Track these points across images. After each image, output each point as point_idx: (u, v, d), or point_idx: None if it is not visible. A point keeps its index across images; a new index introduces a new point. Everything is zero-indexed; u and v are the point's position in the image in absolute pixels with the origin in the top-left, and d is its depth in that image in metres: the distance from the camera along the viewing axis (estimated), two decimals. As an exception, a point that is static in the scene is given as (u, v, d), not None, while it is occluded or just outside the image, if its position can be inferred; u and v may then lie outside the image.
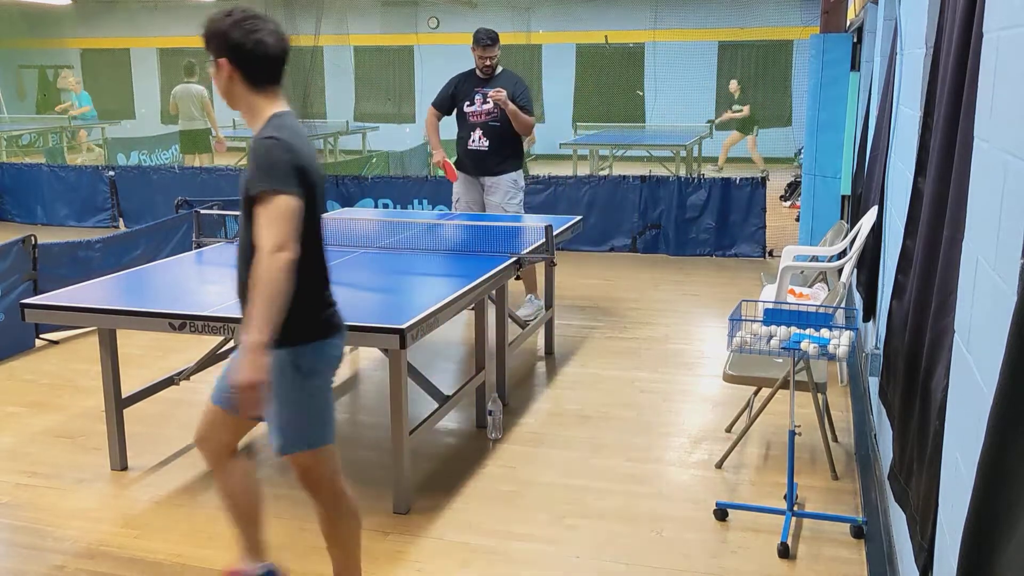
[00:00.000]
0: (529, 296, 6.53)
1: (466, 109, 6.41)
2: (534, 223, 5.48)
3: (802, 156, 9.38)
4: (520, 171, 6.51)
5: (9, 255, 5.98)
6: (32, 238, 6.14)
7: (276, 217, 2.54)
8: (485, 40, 6.30)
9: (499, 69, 6.40)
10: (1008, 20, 1.78)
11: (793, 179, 12.02)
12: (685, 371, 5.59)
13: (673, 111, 16.22)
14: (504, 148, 6.35)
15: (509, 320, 5.21)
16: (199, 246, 5.22)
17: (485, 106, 6.35)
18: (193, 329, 3.73)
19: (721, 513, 3.75)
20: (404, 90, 19.20)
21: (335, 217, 6.45)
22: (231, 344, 5.01)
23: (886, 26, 5.74)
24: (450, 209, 7.63)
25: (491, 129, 6.32)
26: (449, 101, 6.51)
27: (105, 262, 6.36)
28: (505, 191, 6.40)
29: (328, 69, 18.85)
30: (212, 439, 3.00)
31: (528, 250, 4.96)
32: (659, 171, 11.37)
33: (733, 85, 14.95)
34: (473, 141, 6.39)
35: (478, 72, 6.41)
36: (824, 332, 3.60)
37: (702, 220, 8.79)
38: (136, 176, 10.64)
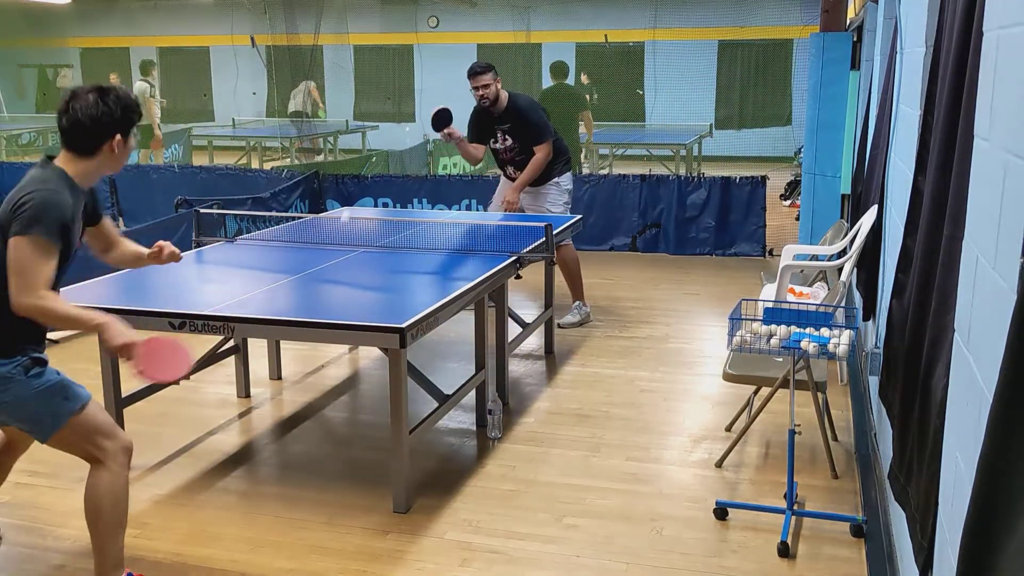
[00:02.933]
0: (576, 303, 6.56)
1: (493, 147, 6.49)
2: (534, 222, 5.48)
3: (802, 155, 9.38)
4: (564, 176, 6.50)
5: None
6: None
7: None
8: (471, 71, 6.22)
9: (505, 99, 6.27)
10: (1008, 18, 1.78)
11: (793, 178, 12.02)
12: (685, 370, 5.59)
13: (673, 110, 16.21)
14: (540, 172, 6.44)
15: (509, 319, 5.22)
16: (199, 245, 5.22)
17: (507, 143, 6.39)
18: (193, 328, 3.73)
19: (721, 512, 3.75)
20: (404, 89, 19.20)
21: (335, 216, 6.45)
22: (230, 344, 5.02)
23: (886, 25, 5.74)
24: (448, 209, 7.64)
25: (521, 163, 6.39)
26: (477, 137, 6.50)
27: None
28: (546, 195, 6.47)
29: (328, 68, 18.84)
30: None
31: (528, 249, 4.96)
32: (659, 170, 11.37)
33: (584, 78, 15.43)
34: (509, 175, 6.52)
35: (482, 105, 6.32)
36: (824, 331, 3.60)
37: (702, 219, 8.78)
38: (136, 175, 10.62)
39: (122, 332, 2.92)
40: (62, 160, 3.01)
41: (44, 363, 3.05)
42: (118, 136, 3.01)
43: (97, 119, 2.95)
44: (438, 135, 6.29)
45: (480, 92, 6.18)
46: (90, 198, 3.16)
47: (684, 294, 7.47)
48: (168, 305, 3.89)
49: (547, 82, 13.17)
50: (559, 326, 6.35)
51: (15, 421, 3.08)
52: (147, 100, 12.92)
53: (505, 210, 6.43)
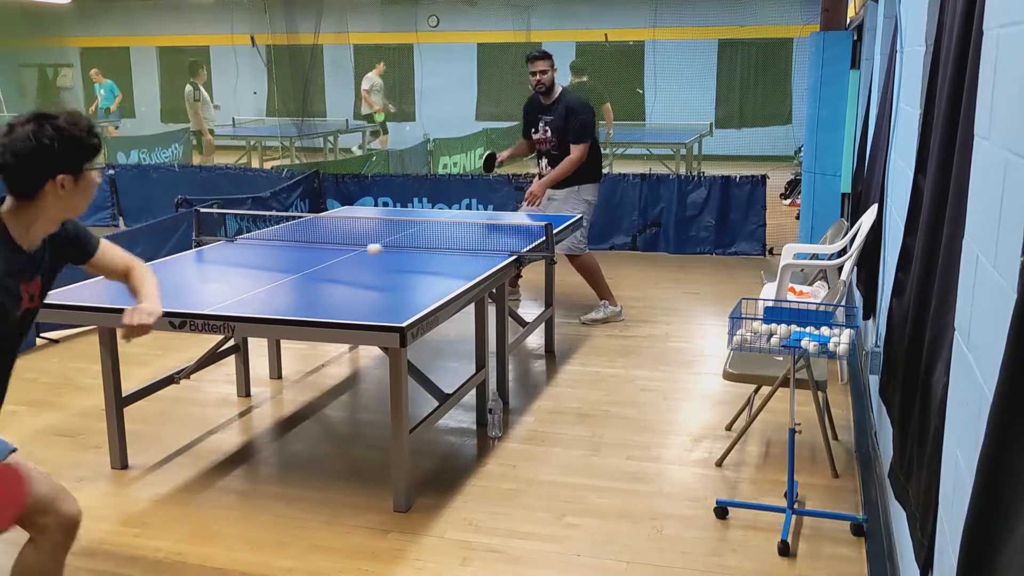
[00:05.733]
0: (603, 302, 6.59)
1: (533, 136, 6.59)
2: (534, 222, 5.48)
3: (802, 154, 9.38)
4: (586, 185, 6.51)
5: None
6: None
7: None
8: (529, 56, 6.48)
9: (558, 92, 6.44)
10: (1008, 17, 1.78)
11: (793, 177, 12.01)
12: (685, 369, 5.59)
13: (673, 109, 16.21)
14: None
15: (509, 318, 5.22)
16: (199, 244, 5.22)
17: (546, 134, 6.48)
18: (193, 328, 3.73)
19: (721, 511, 3.75)
20: (404, 88, 19.19)
21: (335, 215, 6.45)
22: (231, 343, 5.02)
23: (886, 24, 5.74)
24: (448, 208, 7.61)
25: (554, 158, 6.47)
26: (526, 126, 6.67)
27: (105, 261, 6.33)
28: (564, 200, 6.48)
29: (328, 67, 18.84)
30: None
31: (528, 248, 4.96)
32: (659, 169, 11.36)
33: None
34: (541, 167, 6.63)
35: (536, 93, 6.50)
36: (824, 330, 3.60)
37: (702, 218, 8.78)
38: (136, 175, 10.63)
39: None
40: (5, 205, 2.49)
41: None
42: (61, 175, 2.44)
43: (27, 156, 2.40)
44: (497, 165, 6.69)
45: (536, 77, 6.39)
46: (59, 240, 2.67)
47: (684, 293, 7.47)
48: (168, 305, 3.87)
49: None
50: (581, 322, 6.44)
51: None
52: (192, 104, 12.62)
53: (527, 201, 6.48)
